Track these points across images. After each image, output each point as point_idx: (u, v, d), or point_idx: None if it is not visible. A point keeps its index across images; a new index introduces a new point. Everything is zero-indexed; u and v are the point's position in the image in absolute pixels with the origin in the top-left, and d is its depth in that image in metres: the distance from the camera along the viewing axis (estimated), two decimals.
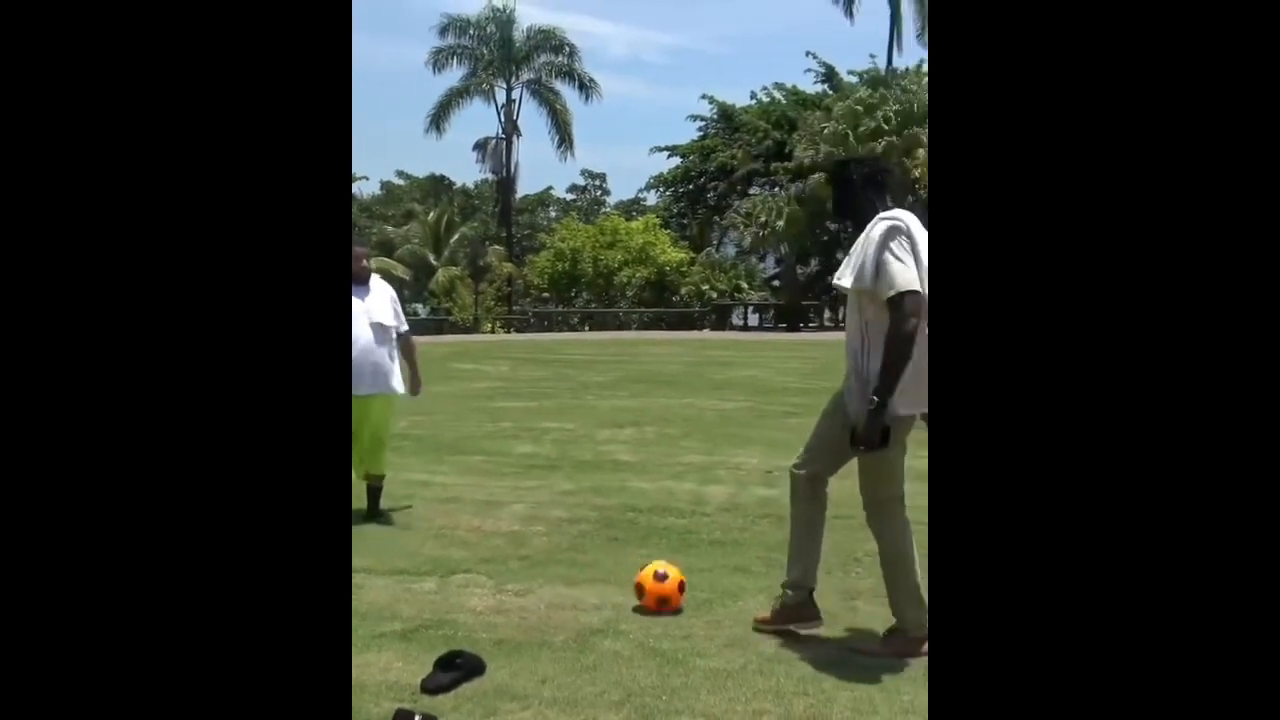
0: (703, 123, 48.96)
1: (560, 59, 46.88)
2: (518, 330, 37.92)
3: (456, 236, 45.02)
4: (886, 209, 3.38)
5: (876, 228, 3.30)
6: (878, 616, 3.77)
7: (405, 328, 6.01)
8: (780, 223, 34.50)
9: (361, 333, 5.66)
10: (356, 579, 4.46)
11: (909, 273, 3.19)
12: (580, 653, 3.54)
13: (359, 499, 5.64)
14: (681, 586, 3.99)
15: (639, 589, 3.99)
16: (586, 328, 39.44)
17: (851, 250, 3.41)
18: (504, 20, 45.45)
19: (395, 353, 5.91)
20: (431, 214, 46.38)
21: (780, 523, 4.82)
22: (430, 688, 3.18)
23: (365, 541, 5.19)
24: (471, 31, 46.04)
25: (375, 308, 5.81)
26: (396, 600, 4.16)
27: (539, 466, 7.72)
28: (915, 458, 3.26)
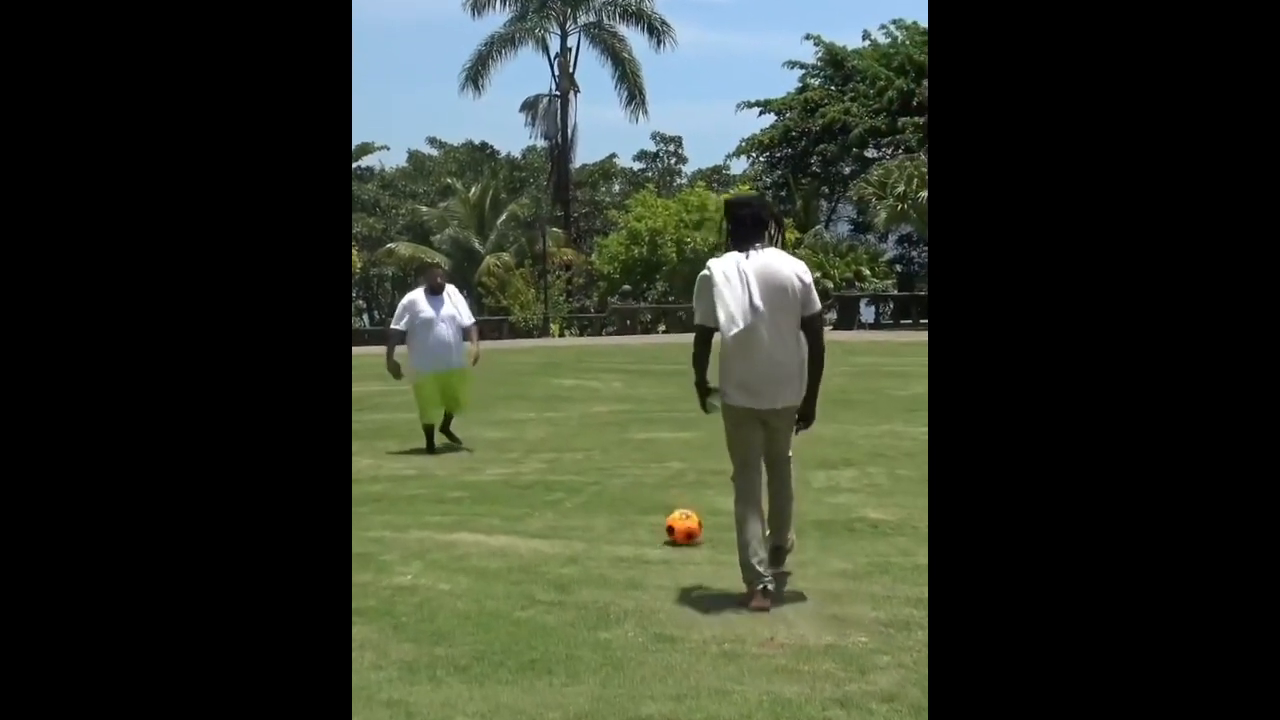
0: (803, 70, 47.92)
1: None
2: (591, 332, 37.09)
3: (504, 216, 44.44)
4: (746, 247, 5.08)
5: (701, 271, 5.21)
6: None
7: (471, 320, 10.54)
8: (925, 194, 33.21)
9: (441, 330, 10.07)
10: None
11: (701, 309, 5.11)
12: None
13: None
14: (700, 524, 6.33)
15: (669, 529, 6.31)
16: (663, 328, 38.49)
17: None
18: None
19: (462, 340, 10.30)
20: (473, 190, 45.91)
21: None
22: None
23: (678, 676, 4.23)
24: None
25: (455, 310, 10.30)
26: None
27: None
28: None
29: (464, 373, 10.34)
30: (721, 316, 4.95)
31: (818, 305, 5.13)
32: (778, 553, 5.37)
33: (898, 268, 43.87)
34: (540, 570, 5.82)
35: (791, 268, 5.04)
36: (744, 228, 5.13)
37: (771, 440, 5.26)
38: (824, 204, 47.21)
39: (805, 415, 5.23)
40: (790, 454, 5.38)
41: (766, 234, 5.16)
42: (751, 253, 5.04)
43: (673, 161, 59.71)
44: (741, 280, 4.96)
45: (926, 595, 3.55)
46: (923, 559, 5.58)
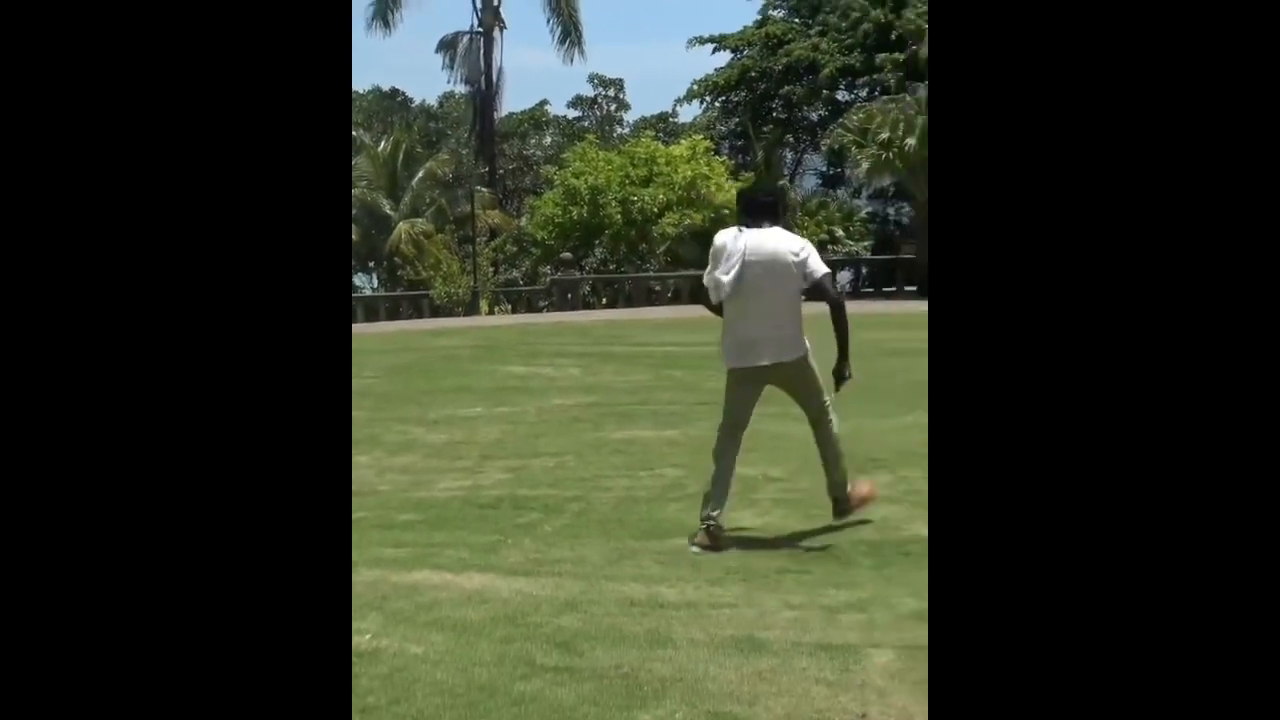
0: (764, 1, 47.47)
1: None
2: (522, 308, 36.40)
3: (420, 175, 43.67)
4: (749, 225, 6.39)
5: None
6: None
7: None
8: (912, 140, 32.84)
9: None
10: None
11: (713, 272, 6.37)
12: None
13: None
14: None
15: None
16: (604, 301, 37.81)
17: None
18: None
19: None
20: (383, 144, 45.08)
21: None
22: None
23: None
24: None
25: None
26: None
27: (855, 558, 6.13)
28: None
29: None
30: (720, 279, 6.27)
31: (820, 269, 6.35)
32: (839, 505, 6.67)
33: (871, 226, 43.57)
34: (532, 621, 5.17)
35: (787, 243, 6.32)
36: (747, 210, 6.52)
37: (797, 401, 6.65)
38: (789, 155, 46.83)
39: (838, 373, 6.56)
40: (828, 402, 6.59)
41: (773, 215, 6.49)
42: (753, 229, 6.33)
43: (613, 108, 59.29)
44: (739, 249, 6.27)
45: None
46: None
